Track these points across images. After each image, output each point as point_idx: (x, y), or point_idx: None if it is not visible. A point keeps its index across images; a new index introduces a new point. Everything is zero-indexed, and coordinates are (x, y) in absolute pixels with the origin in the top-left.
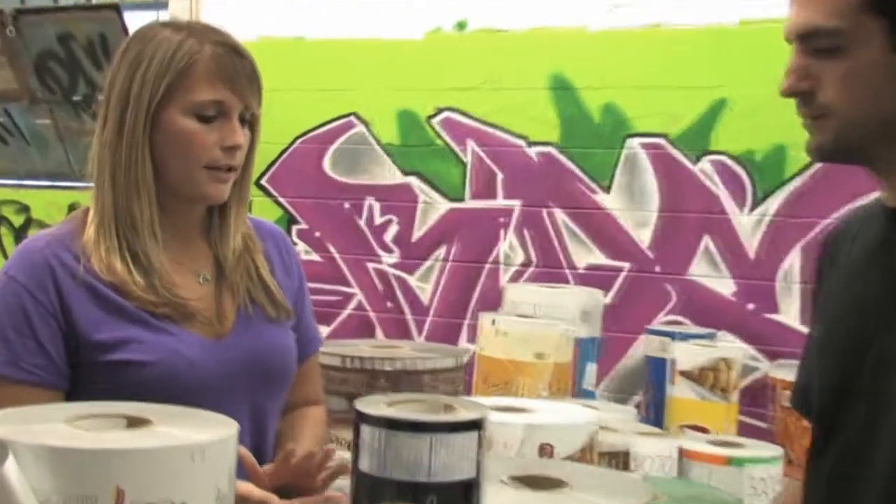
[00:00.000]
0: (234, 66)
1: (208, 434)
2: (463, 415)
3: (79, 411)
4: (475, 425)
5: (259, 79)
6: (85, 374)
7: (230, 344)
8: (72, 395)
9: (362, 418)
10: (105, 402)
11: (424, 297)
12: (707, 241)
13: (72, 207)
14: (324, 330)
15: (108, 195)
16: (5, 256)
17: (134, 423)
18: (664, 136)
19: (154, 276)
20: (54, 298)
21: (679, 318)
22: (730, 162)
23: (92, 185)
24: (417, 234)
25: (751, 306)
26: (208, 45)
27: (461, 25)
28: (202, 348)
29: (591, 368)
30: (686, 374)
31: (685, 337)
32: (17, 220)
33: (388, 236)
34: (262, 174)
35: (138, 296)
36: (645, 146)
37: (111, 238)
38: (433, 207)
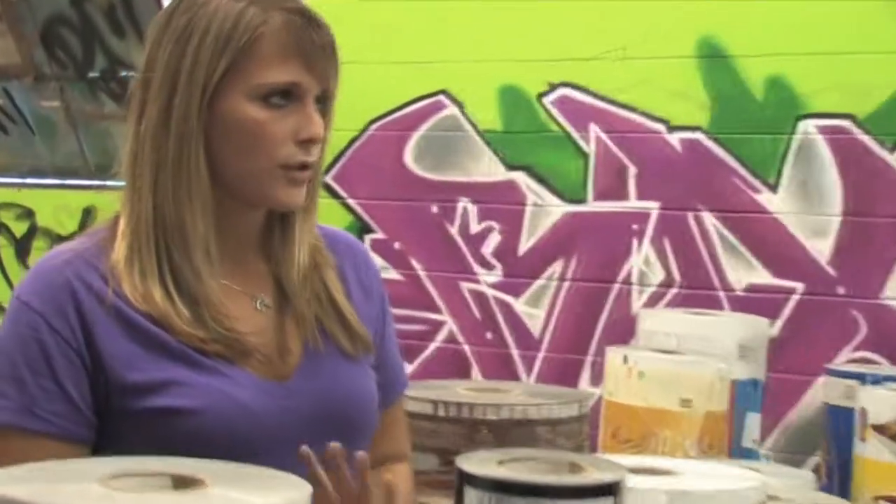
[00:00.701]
0: (310, 39)
1: (274, 497)
2: (594, 476)
3: (115, 469)
4: (609, 490)
5: (337, 53)
6: (115, 423)
7: (296, 387)
8: (99, 449)
9: (467, 480)
10: (145, 457)
11: (535, 327)
12: None
13: (87, 213)
14: (405, 367)
15: (148, 202)
16: (4, 276)
17: (182, 483)
18: (849, 116)
19: (203, 306)
20: (77, 330)
21: (870, 355)
22: None
23: (123, 186)
24: (525, 245)
25: None
26: (277, 13)
27: None
28: (261, 392)
29: (754, 419)
30: (880, 429)
31: (878, 380)
32: (19, 229)
33: (488, 248)
34: (328, 169)
35: (182, 330)
36: (823, 130)
37: (150, 257)
38: (545, 211)
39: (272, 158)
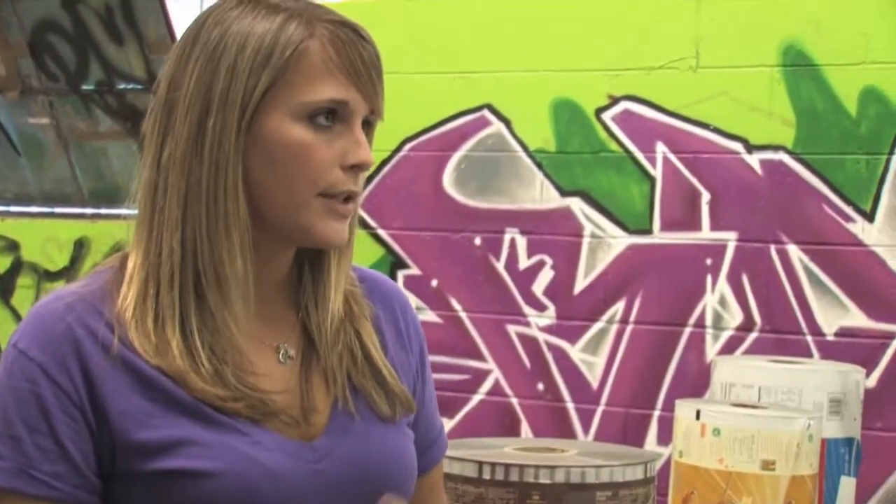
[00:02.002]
0: (359, 53)
1: None
2: None
3: None
4: None
5: (382, 71)
6: (122, 487)
7: (325, 448)
8: None
9: None
10: None
11: (593, 377)
12: None
13: (79, 245)
14: (445, 423)
15: (177, 235)
16: None
17: None
18: None
19: (227, 361)
20: (80, 383)
21: None
22: None
23: (133, 219)
24: (582, 283)
25: None
26: (322, 26)
27: None
28: (286, 453)
29: (849, 485)
30: None
31: None
32: (2, 264)
33: (540, 286)
34: None
35: (200, 388)
36: None
37: (171, 301)
38: (605, 244)
39: (316, 185)
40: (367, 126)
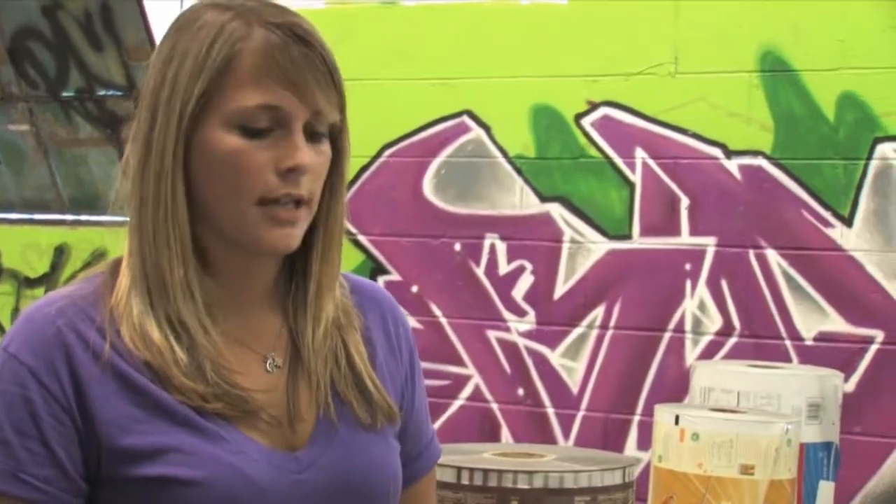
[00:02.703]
0: (291, 56)
1: None
2: None
3: None
4: None
5: (336, 73)
6: (108, 492)
7: (308, 458)
8: None
9: None
10: None
11: (573, 382)
12: None
13: (59, 252)
14: None
15: (136, 242)
16: None
17: None
18: None
19: (200, 355)
20: (69, 388)
21: None
22: None
23: (117, 224)
24: (562, 288)
25: None
26: (258, 29)
27: None
28: (269, 463)
29: (827, 489)
30: None
31: None
32: None
33: (519, 292)
34: None
35: (181, 384)
36: None
37: (142, 301)
38: (585, 249)
39: (252, 193)
40: (332, 130)
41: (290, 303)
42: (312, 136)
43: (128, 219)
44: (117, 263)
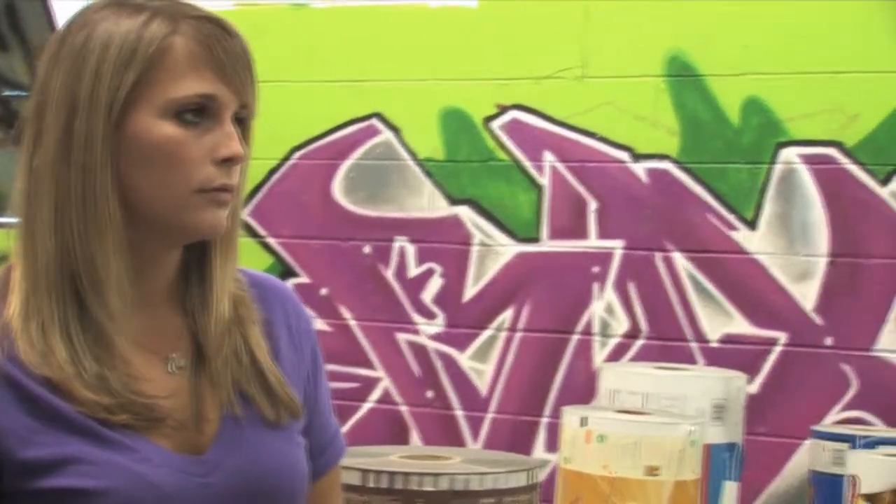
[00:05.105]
0: (223, 48)
1: None
2: None
3: None
4: None
5: (253, 65)
6: None
7: (213, 460)
8: None
9: None
10: None
11: (482, 384)
12: None
13: None
14: None
15: (51, 242)
16: None
17: None
18: (836, 144)
19: (110, 365)
20: None
21: (861, 415)
22: None
23: (14, 228)
24: (471, 291)
25: None
26: (185, 23)
27: None
28: (174, 468)
29: (731, 489)
30: (872, 499)
31: (871, 444)
32: None
33: (429, 295)
34: (244, 204)
35: (85, 397)
36: (807, 160)
37: (52, 307)
38: (494, 252)
39: (189, 182)
40: (242, 124)
41: (188, 301)
42: (235, 127)
43: (21, 225)
44: (7, 273)
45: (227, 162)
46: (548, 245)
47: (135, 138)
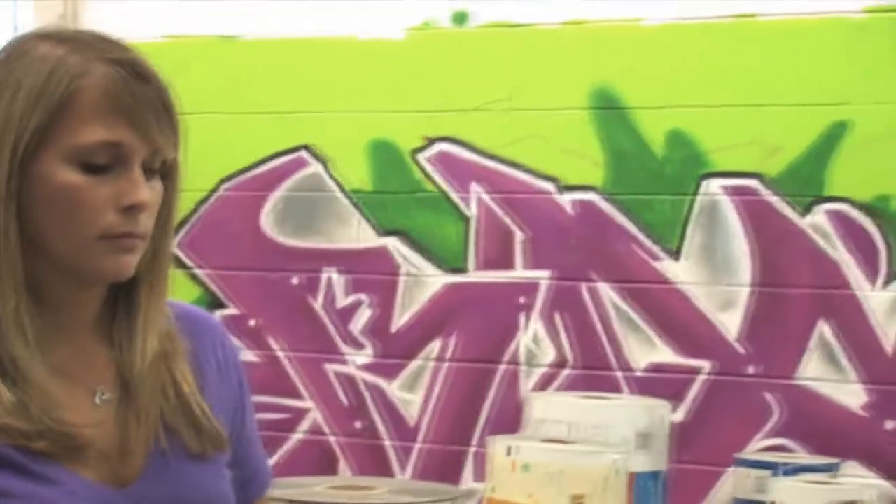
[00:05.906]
0: (131, 93)
1: None
2: None
3: None
4: None
5: (173, 110)
6: None
7: (139, 493)
8: None
9: None
10: None
11: (410, 414)
12: (823, 329)
13: None
14: None
15: None
16: None
17: None
18: (757, 175)
19: (27, 393)
20: None
21: (784, 442)
22: (854, 213)
23: None
24: (399, 321)
25: (890, 425)
26: (99, 65)
27: (460, 18)
28: (99, 501)
29: None
30: None
31: (794, 470)
32: None
33: (357, 325)
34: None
35: (3, 423)
36: (730, 191)
37: None
38: (422, 282)
39: (92, 229)
40: (166, 166)
41: (115, 334)
42: (147, 172)
43: None
44: None
45: (132, 209)
46: (475, 275)
47: (39, 181)
